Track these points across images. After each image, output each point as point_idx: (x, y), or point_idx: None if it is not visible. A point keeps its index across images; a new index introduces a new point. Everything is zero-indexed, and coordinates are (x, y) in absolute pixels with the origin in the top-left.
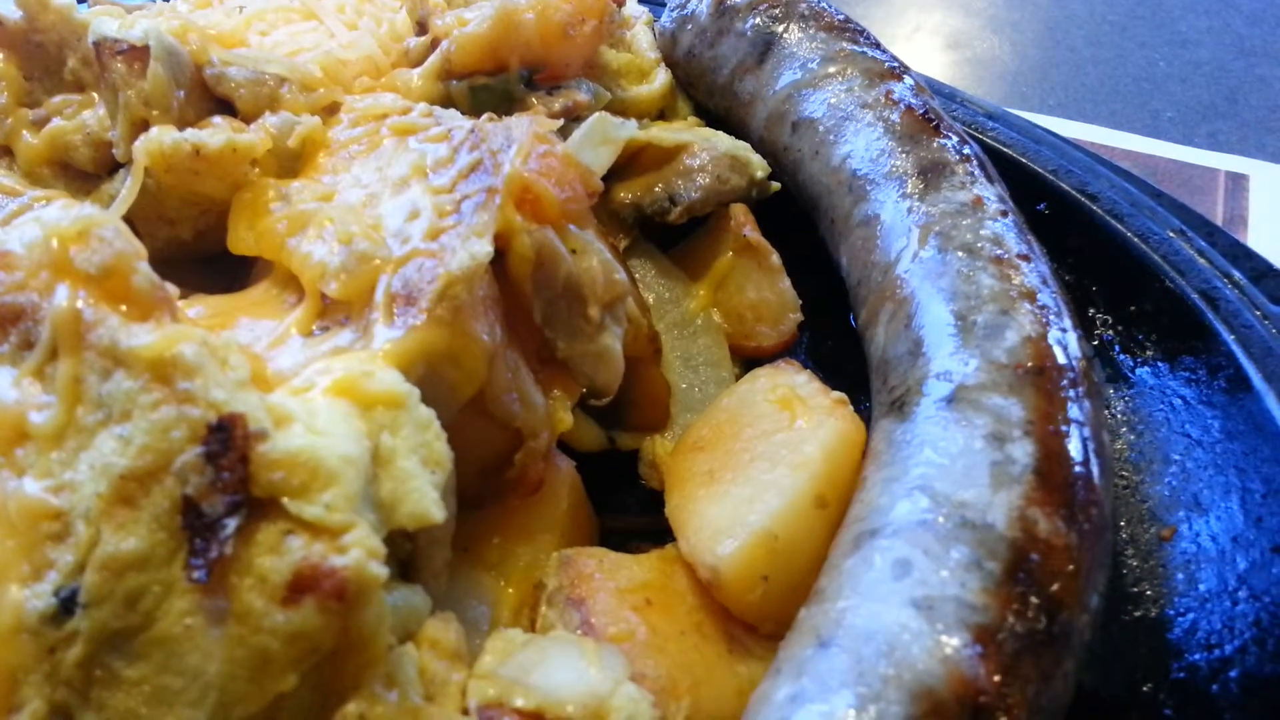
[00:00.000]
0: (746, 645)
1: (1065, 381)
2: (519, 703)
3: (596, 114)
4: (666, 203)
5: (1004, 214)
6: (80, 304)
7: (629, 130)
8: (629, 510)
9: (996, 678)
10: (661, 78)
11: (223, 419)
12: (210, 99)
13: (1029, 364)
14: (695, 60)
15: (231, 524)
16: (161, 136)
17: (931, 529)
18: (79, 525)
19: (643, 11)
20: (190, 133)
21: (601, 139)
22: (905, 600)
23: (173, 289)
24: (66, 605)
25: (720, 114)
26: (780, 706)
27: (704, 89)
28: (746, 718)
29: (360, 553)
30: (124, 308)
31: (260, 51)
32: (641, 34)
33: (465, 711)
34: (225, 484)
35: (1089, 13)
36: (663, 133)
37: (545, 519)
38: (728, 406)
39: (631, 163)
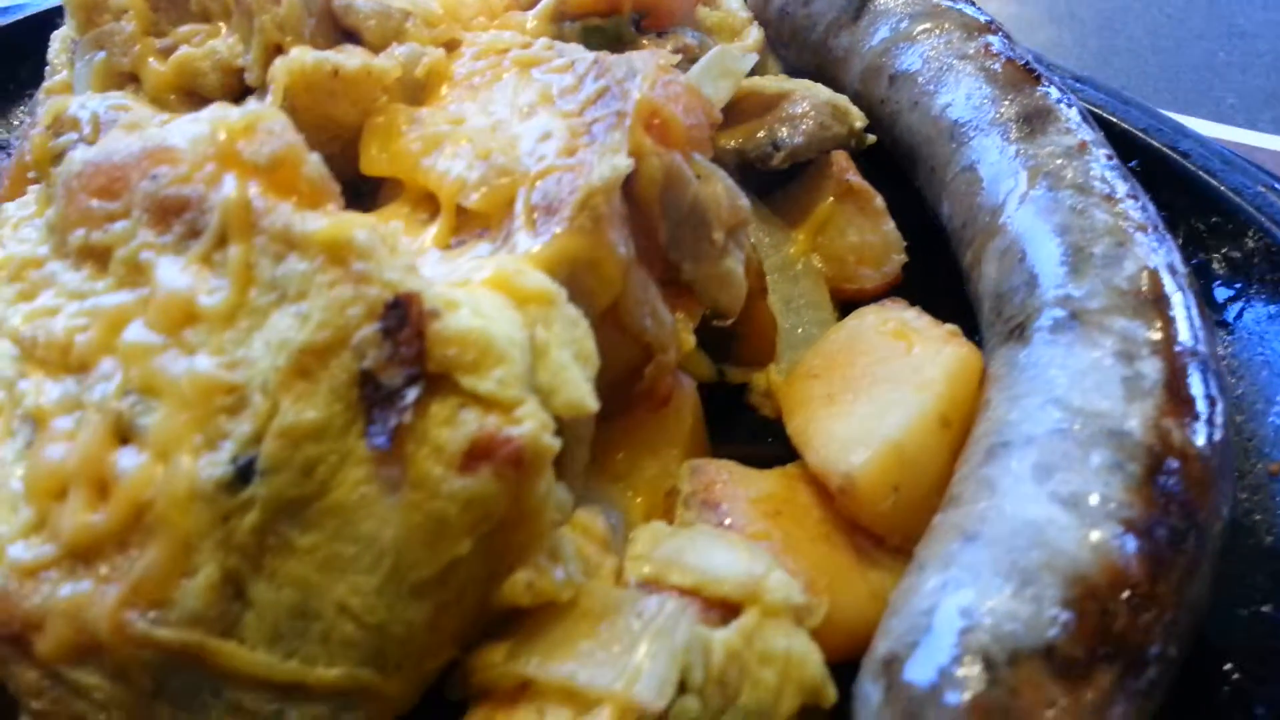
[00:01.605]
0: (874, 557)
1: (1185, 308)
2: (676, 579)
3: (717, 47)
4: (770, 148)
5: (1109, 158)
6: (250, 193)
7: (749, 62)
8: (737, 440)
9: (1147, 568)
10: (754, 34)
11: (399, 296)
12: (337, 30)
13: (1149, 290)
14: (788, 18)
15: (411, 394)
16: (303, 56)
17: (1069, 437)
18: (256, 397)
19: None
20: (330, 54)
21: (721, 71)
22: (1049, 497)
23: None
24: (243, 473)
25: (812, 72)
26: (929, 594)
27: (796, 46)
28: (891, 610)
29: (534, 424)
30: (294, 198)
31: None
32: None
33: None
34: (403, 358)
35: (1145, 5)
36: (765, 81)
37: (671, 433)
38: (838, 340)
39: (733, 110)
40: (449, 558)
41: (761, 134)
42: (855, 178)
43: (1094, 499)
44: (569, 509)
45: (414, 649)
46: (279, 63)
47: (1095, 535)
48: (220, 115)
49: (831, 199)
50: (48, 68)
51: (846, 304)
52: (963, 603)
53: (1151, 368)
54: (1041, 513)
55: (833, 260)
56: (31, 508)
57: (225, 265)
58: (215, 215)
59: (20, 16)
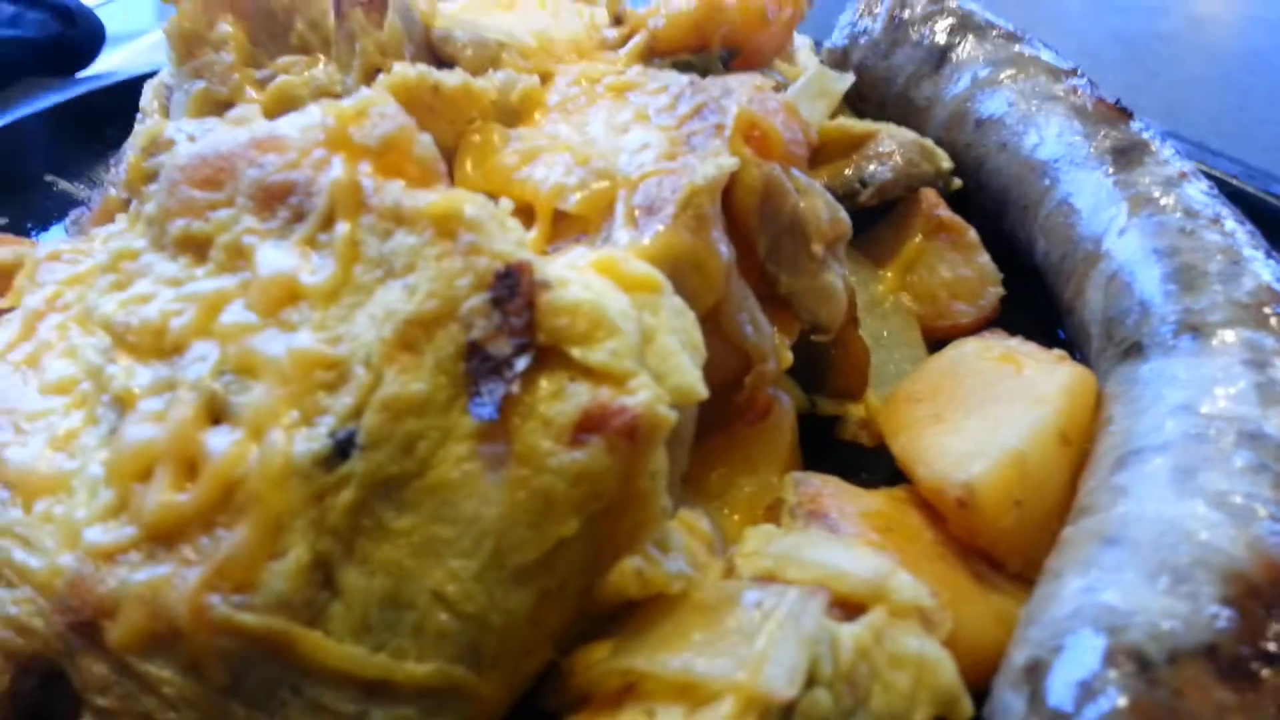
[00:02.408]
0: (994, 582)
1: None
2: (794, 574)
3: (815, 68)
4: (857, 184)
5: (1210, 187)
6: (359, 174)
7: (846, 83)
8: (830, 472)
9: None
10: None
11: (510, 266)
12: (434, 59)
13: (1271, 304)
14: (868, 71)
15: (520, 364)
16: (405, 70)
17: (1206, 441)
18: (358, 370)
19: (805, 40)
20: (431, 69)
21: (819, 91)
22: (1194, 497)
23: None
24: (343, 448)
25: (894, 123)
26: (1071, 598)
27: (876, 100)
28: (1027, 619)
29: (649, 394)
30: (403, 180)
31: (479, 20)
32: (805, 54)
33: None
34: (512, 328)
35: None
36: (851, 122)
37: (770, 450)
38: (939, 367)
39: (820, 151)
40: (554, 539)
41: (849, 171)
42: (946, 212)
43: (1240, 499)
44: (671, 510)
45: (512, 644)
46: (381, 78)
47: (1249, 533)
48: (331, 105)
49: (920, 236)
50: (139, 115)
51: (941, 342)
52: (1111, 602)
53: None
54: (1187, 512)
55: (925, 298)
56: (112, 490)
57: (330, 245)
58: (323, 197)
59: (110, 82)
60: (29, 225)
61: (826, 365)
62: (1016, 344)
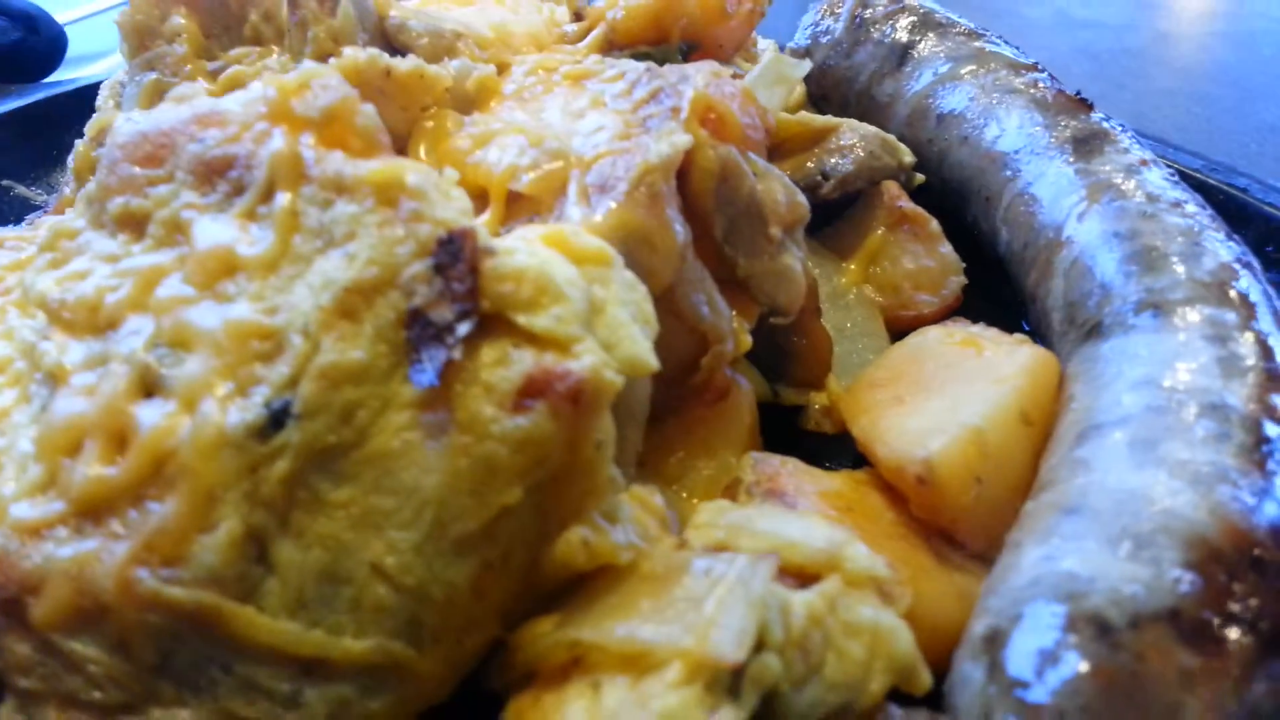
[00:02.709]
0: (956, 561)
1: (1267, 297)
2: (747, 545)
3: (772, 54)
4: (819, 177)
5: (1173, 175)
6: (301, 145)
7: (803, 69)
8: None
9: (1272, 533)
10: (797, 88)
11: (453, 232)
12: (389, 49)
13: (1230, 282)
14: (831, 71)
15: (462, 329)
16: (356, 53)
17: (1168, 413)
18: (295, 339)
19: (769, 42)
20: (383, 54)
21: (777, 77)
22: (1156, 467)
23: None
24: (277, 418)
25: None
26: (1031, 567)
27: (839, 99)
28: (987, 590)
29: (594, 358)
30: (346, 151)
31: (437, 11)
32: (769, 53)
33: None
34: (455, 294)
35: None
36: (813, 116)
37: (729, 432)
38: (901, 353)
39: (781, 145)
40: (497, 507)
41: (810, 164)
42: (908, 204)
43: (1202, 466)
44: (622, 484)
45: (454, 618)
46: (332, 61)
47: (1211, 499)
48: (274, 78)
49: (883, 229)
50: (94, 114)
51: (904, 333)
52: (1071, 569)
53: (1246, 349)
54: (1149, 480)
55: (888, 289)
56: (41, 465)
57: (270, 216)
58: (263, 169)
59: (70, 88)
60: None
61: (788, 354)
62: (978, 330)
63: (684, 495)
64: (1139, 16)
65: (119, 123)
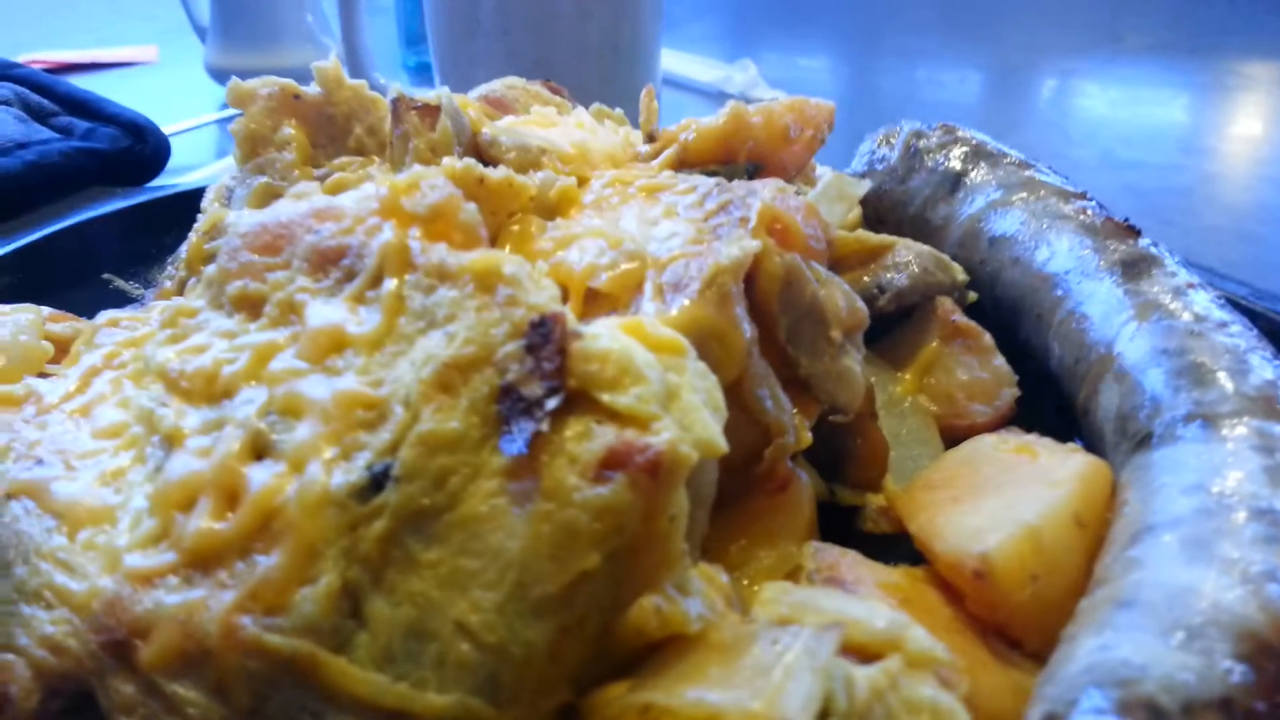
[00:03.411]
0: (1012, 659)
1: None
2: (811, 621)
3: (833, 173)
4: (875, 290)
5: (1218, 296)
6: (409, 238)
7: (863, 188)
8: None
9: None
10: (854, 210)
11: (545, 316)
12: (481, 161)
13: (1277, 398)
14: (886, 195)
15: (551, 403)
16: (454, 161)
17: (1217, 516)
18: (397, 409)
19: (827, 169)
20: (477, 163)
21: (838, 194)
22: (1206, 564)
23: None
24: (378, 480)
25: None
26: (1085, 656)
27: (894, 222)
28: (1043, 680)
29: (672, 434)
30: (449, 244)
31: (524, 130)
32: (830, 173)
33: None
34: (544, 372)
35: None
36: (869, 234)
37: (789, 523)
38: (956, 458)
39: (840, 262)
40: (576, 572)
41: (868, 279)
42: (961, 318)
43: (1254, 567)
44: (691, 557)
45: (530, 678)
46: (434, 168)
47: (1262, 595)
48: (385, 177)
49: (937, 341)
50: (199, 215)
51: (959, 441)
52: (1125, 657)
53: None
54: (1200, 577)
55: (942, 399)
56: (155, 519)
57: (378, 300)
58: (373, 258)
59: (171, 192)
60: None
61: (846, 455)
62: (1032, 438)
63: (745, 582)
64: (1184, 159)
65: (242, 215)
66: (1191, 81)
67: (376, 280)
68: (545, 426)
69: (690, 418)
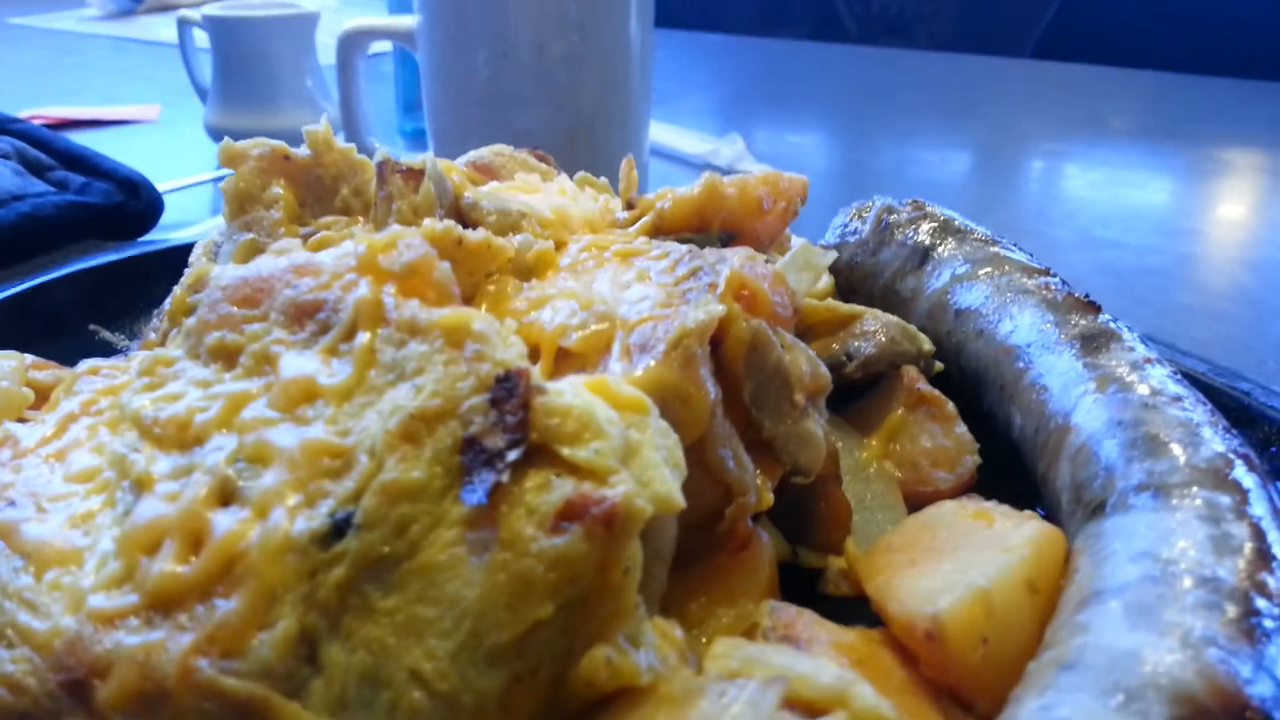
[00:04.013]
0: None
1: (1261, 487)
2: (759, 675)
3: (801, 242)
4: (843, 357)
5: (1175, 372)
6: (383, 294)
7: (829, 258)
8: None
9: (1259, 696)
10: (825, 279)
11: (510, 371)
12: (461, 223)
13: (1225, 469)
14: (858, 267)
15: (512, 455)
16: (434, 223)
17: (1161, 582)
18: (362, 458)
19: (800, 240)
20: (457, 225)
21: (805, 264)
22: (1149, 629)
23: None
24: (339, 527)
25: None
26: (1031, 715)
27: (864, 293)
28: None
29: (628, 488)
30: (422, 300)
31: (505, 194)
32: (799, 243)
33: None
34: (507, 425)
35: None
36: (838, 304)
37: (749, 583)
38: (917, 523)
39: (811, 329)
40: (530, 621)
41: (836, 346)
42: (926, 386)
43: (1194, 633)
44: (645, 613)
45: None
46: (415, 229)
47: (1200, 660)
48: (364, 237)
49: (902, 409)
50: (187, 269)
51: (921, 507)
52: (1065, 717)
53: (1237, 530)
54: (1141, 641)
55: (907, 465)
56: (120, 560)
57: (350, 353)
58: (348, 312)
59: (161, 247)
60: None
61: (809, 518)
62: (991, 505)
63: (703, 640)
64: (1160, 241)
65: (224, 269)
66: (1170, 165)
67: (350, 334)
68: (505, 478)
69: (649, 474)
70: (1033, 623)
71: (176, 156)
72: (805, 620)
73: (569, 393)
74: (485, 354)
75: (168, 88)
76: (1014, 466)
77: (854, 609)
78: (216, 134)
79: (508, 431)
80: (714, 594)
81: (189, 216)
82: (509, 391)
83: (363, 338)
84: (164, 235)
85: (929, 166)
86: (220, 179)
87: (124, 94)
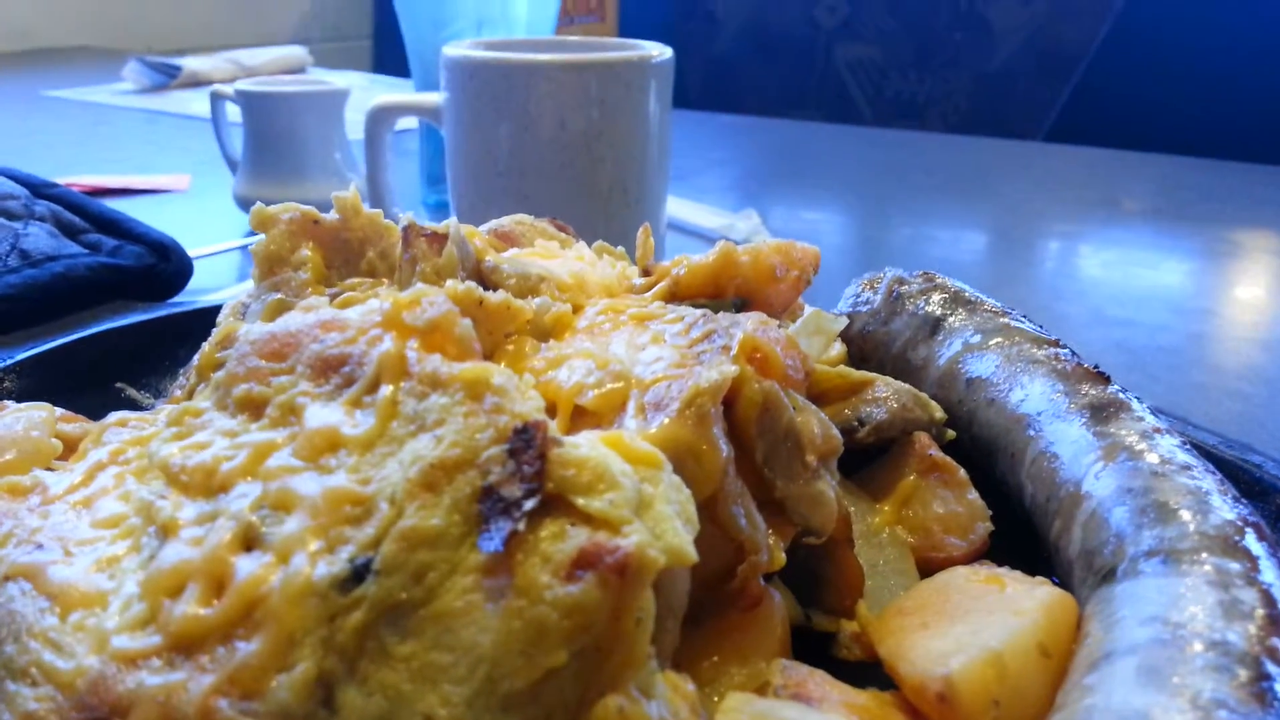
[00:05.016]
0: None
1: (1271, 555)
2: None
3: (812, 309)
4: (855, 423)
5: (1184, 442)
6: (407, 349)
7: (841, 323)
8: None
9: None
10: (837, 347)
11: (528, 424)
12: (483, 285)
13: (1236, 536)
14: (870, 336)
15: (529, 504)
16: (456, 284)
17: (1172, 645)
18: (383, 505)
19: (813, 309)
20: (478, 286)
21: (816, 329)
22: (1158, 690)
23: None
24: (359, 572)
25: None
26: None
27: (876, 361)
28: None
29: (641, 538)
30: (443, 355)
31: (525, 259)
32: (811, 310)
33: None
34: (524, 475)
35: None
36: (851, 370)
37: (762, 641)
38: (929, 588)
39: (823, 396)
40: (543, 669)
41: (848, 411)
42: (938, 453)
43: (1203, 695)
44: (656, 665)
45: None
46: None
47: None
48: (390, 292)
49: (914, 475)
50: (215, 328)
51: (934, 573)
52: None
53: (1248, 595)
54: (1150, 701)
55: (919, 531)
56: (144, 603)
57: (373, 404)
58: (372, 366)
59: (189, 309)
60: None
61: (822, 581)
62: (1003, 571)
63: (715, 699)
64: (1173, 319)
65: (253, 325)
66: (1182, 246)
67: (374, 386)
68: (522, 526)
69: (662, 526)
70: (1044, 686)
71: (205, 225)
72: (817, 679)
73: (585, 446)
74: (504, 406)
75: (198, 159)
76: (1026, 534)
77: (866, 673)
78: (245, 204)
79: (524, 481)
80: (726, 652)
81: (217, 282)
82: (526, 443)
83: (386, 390)
84: (192, 298)
85: (942, 244)
86: (247, 246)
87: (156, 164)
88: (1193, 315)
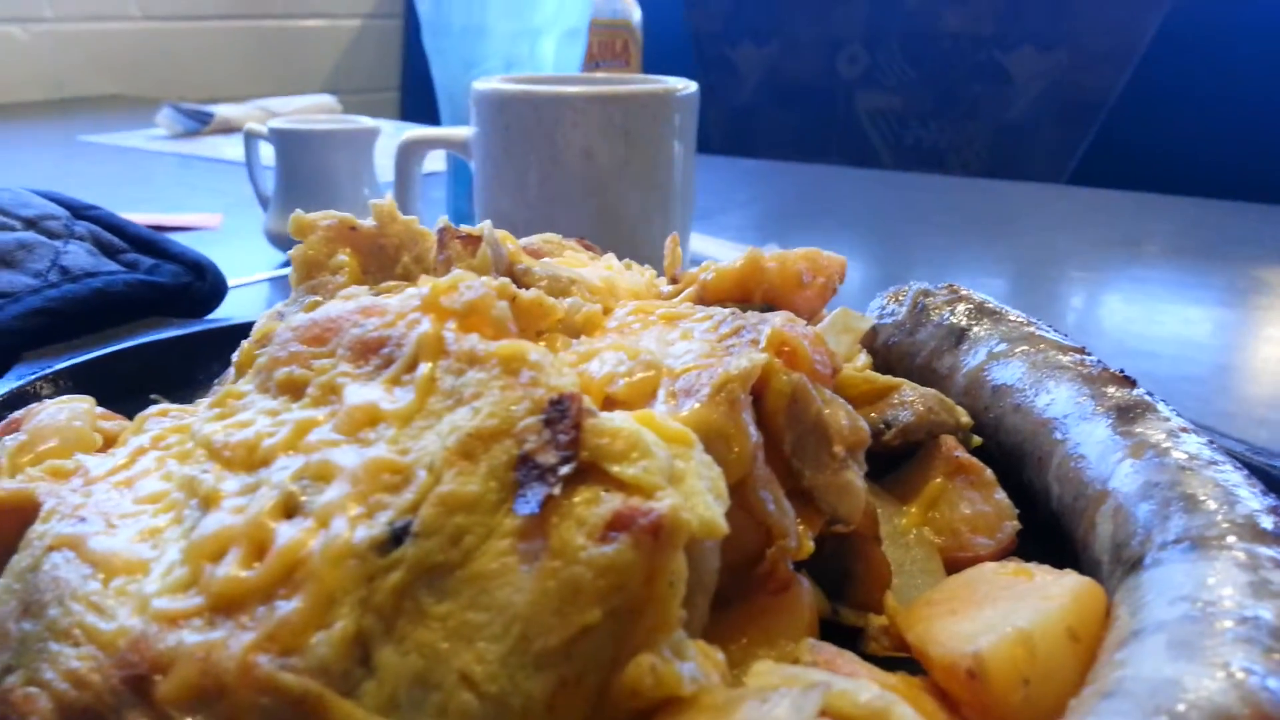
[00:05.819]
0: None
1: None
2: (801, 685)
3: (840, 308)
4: (882, 425)
5: (1211, 442)
6: (445, 329)
7: (868, 323)
8: None
9: None
10: (862, 358)
11: (563, 395)
12: (516, 285)
13: (1264, 524)
14: (895, 347)
15: (564, 469)
16: (490, 280)
17: (1201, 621)
18: (420, 473)
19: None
20: (511, 284)
21: (844, 328)
22: (1189, 660)
23: None
24: (398, 535)
25: None
26: None
27: (902, 371)
28: None
29: (674, 501)
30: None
31: (556, 264)
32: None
33: None
34: (559, 443)
35: None
36: (877, 375)
37: (790, 624)
38: (957, 581)
39: (850, 400)
40: (578, 626)
41: (875, 414)
42: (964, 454)
43: (1233, 663)
44: (687, 625)
45: None
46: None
47: (1241, 687)
48: (428, 278)
49: (941, 477)
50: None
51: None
52: None
53: (1277, 576)
54: (1181, 670)
55: (946, 531)
56: (186, 567)
57: (412, 382)
58: (410, 347)
59: (224, 325)
60: None
61: (850, 576)
62: (1031, 565)
63: (744, 680)
64: (1195, 351)
65: (294, 315)
66: (1207, 283)
67: (412, 365)
68: (557, 490)
69: (693, 500)
70: (1074, 670)
71: (237, 260)
72: (846, 658)
73: (618, 417)
74: (540, 380)
75: (230, 200)
76: (1053, 536)
77: (895, 668)
78: (275, 239)
79: (560, 449)
80: (754, 635)
81: (249, 312)
82: (562, 413)
83: (424, 368)
84: (226, 317)
85: (964, 283)
86: (281, 279)
87: (188, 204)
88: (1219, 349)
